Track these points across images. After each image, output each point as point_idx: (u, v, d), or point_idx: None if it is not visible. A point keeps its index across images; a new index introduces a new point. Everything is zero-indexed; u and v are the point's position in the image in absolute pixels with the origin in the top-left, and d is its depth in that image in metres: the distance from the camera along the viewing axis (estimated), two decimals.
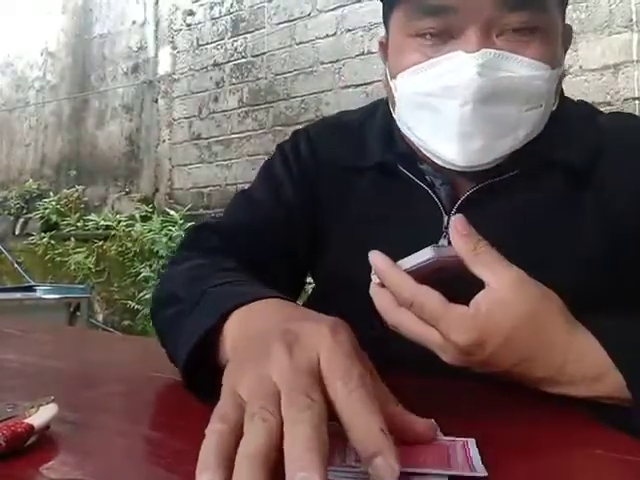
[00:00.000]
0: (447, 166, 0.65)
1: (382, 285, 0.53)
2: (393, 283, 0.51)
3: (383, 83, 0.73)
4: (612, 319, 0.51)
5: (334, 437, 0.36)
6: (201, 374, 0.51)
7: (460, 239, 0.50)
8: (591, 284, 0.60)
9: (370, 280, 0.54)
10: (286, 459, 0.31)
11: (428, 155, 0.67)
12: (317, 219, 0.77)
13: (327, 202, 0.76)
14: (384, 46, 0.72)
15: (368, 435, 0.34)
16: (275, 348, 0.39)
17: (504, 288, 0.49)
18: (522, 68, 0.60)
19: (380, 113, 0.77)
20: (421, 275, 0.51)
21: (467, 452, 0.40)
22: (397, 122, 0.71)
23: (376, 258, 0.52)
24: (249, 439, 0.33)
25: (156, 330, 0.65)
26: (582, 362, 0.49)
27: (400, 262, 0.52)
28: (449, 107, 0.61)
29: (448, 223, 0.67)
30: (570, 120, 0.70)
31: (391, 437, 0.34)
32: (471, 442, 0.41)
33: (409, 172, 0.71)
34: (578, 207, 0.66)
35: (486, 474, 0.36)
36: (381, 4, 0.71)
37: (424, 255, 0.50)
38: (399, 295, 0.51)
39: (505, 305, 0.48)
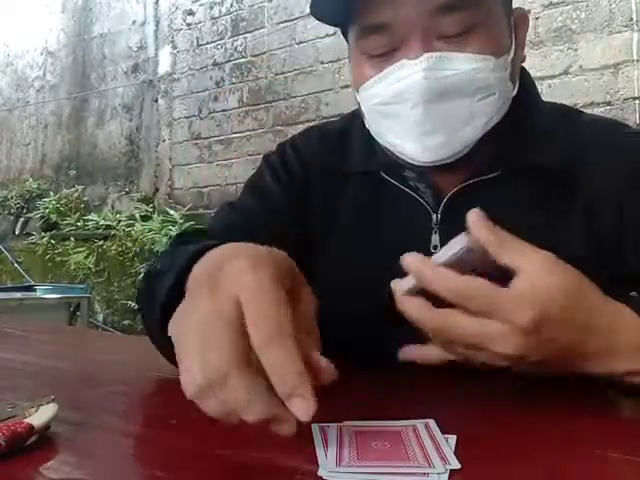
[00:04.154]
0: (418, 164, 0.68)
1: (409, 293, 0.50)
2: (434, 279, 0.48)
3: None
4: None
5: (335, 439, 0.36)
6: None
7: (483, 230, 0.49)
8: None
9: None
10: None
11: (402, 157, 0.70)
12: (306, 227, 0.77)
13: (316, 210, 0.78)
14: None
15: (286, 379, 0.37)
16: (199, 294, 0.41)
17: (542, 268, 0.48)
18: (464, 63, 0.64)
19: (359, 123, 0.78)
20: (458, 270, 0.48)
21: (434, 438, 0.41)
22: (370, 131, 0.74)
23: (410, 259, 0.49)
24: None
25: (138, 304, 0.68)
26: (629, 330, 0.50)
27: (433, 258, 0.49)
28: (404, 111, 0.65)
29: (437, 220, 0.71)
30: (544, 121, 0.73)
31: (308, 377, 0.37)
32: (432, 423, 0.43)
33: (393, 179, 0.74)
34: (560, 208, 0.69)
35: (459, 466, 0.37)
36: None
37: (455, 245, 0.49)
38: (444, 289, 0.47)
39: (551, 278, 0.48)
